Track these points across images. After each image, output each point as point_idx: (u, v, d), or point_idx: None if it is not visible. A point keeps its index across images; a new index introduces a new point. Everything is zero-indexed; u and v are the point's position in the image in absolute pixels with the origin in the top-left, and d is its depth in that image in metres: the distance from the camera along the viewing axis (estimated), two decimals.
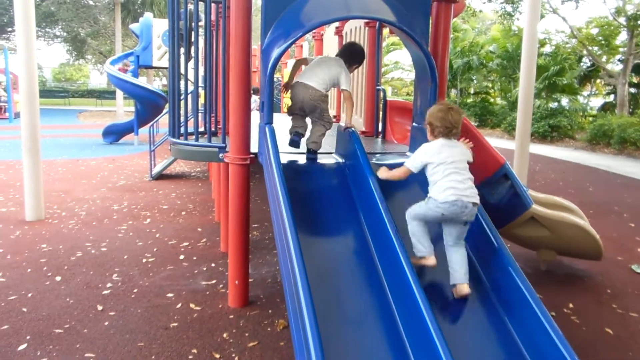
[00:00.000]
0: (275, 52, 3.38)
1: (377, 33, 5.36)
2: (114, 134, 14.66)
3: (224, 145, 3.89)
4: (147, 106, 13.59)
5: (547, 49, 21.90)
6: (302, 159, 3.77)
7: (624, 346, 3.52)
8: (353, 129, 3.62)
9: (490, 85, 25.61)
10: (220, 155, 3.88)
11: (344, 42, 6.40)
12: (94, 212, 6.79)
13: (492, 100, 25.26)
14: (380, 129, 5.19)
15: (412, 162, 2.96)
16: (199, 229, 6.05)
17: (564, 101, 20.89)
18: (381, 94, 5.22)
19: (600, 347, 3.50)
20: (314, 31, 7.51)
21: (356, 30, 5.95)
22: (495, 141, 17.59)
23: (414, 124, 3.99)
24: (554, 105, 20.08)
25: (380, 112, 5.22)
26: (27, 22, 6.00)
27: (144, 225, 6.20)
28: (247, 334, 3.49)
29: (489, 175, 4.64)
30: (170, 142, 4.38)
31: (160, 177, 9.38)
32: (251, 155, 3.75)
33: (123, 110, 23.69)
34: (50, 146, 13.45)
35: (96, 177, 9.34)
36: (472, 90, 25.88)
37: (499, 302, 2.83)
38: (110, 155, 12.34)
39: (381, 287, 2.78)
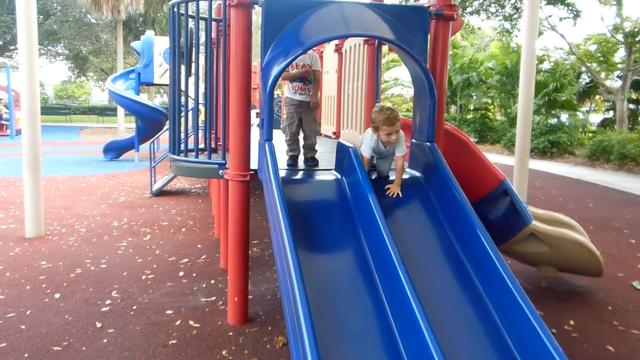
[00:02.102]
0: (275, 70, 3.41)
1: (376, 50, 5.40)
2: (115, 150, 14.70)
3: (224, 161, 3.91)
4: (148, 123, 13.65)
5: (546, 65, 22.06)
6: (302, 175, 3.78)
7: None
8: (351, 146, 3.64)
9: (489, 101, 25.72)
10: (220, 171, 3.90)
11: (343, 60, 6.46)
12: (94, 228, 6.78)
13: (491, 116, 25.36)
14: None
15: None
16: (199, 246, 6.04)
17: (564, 117, 20.98)
18: None
19: None
20: (314, 49, 7.57)
21: (355, 48, 6.00)
22: (495, 157, 17.63)
23: (413, 140, 4.00)
24: (553, 121, 20.15)
25: None
26: (29, 40, 6.06)
27: (143, 241, 6.19)
28: (246, 351, 3.48)
29: (489, 191, 4.65)
30: (171, 158, 4.40)
31: (161, 193, 9.39)
32: (251, 172, 3.77)
33: (124, 127, 23.79)
34: (51, 163, 13.48)
35: (96, 194, 9.35)
36: (471, 107, 26.00)
37: (499, 319, 2.82)
38: (111, 171, 12.37)
39: (380, 304, 2.77)
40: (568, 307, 4.46)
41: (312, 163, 4.11)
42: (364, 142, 3.57)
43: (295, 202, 3.33)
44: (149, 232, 6.66)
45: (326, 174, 3.81)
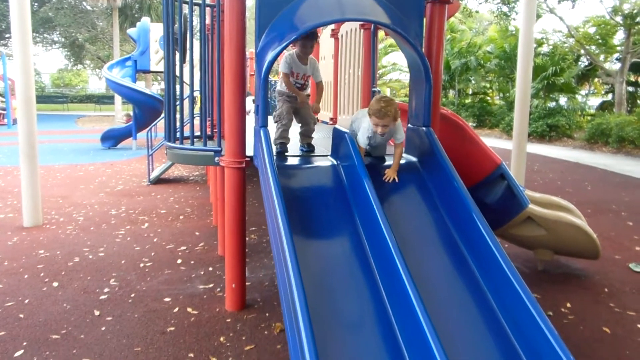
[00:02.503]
0: (270, 55, 3.38)
1: (372, 35, 5.37)
2: (112, 138, 14.66)
3: (219, 148, 3.90)
4: (145, 110, 13.59)
5: (545, 48, 21.93)
6: (298, 161, 3.77)
7: (622, 345, 3.52)
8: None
9: (488, 85, 25.61)
10: (216, 158, 3.88)
11: (339, 45, 6.42)
12: (92, 217, 6.78)
13: (490, 100, 25.27)
14: None
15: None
16: (197, 233, 6.05)
17: (562, 101, 20.91)
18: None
19: (597, 346, 3.50)
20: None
21: (352, 33, 5.96)
22: (494, 141, 17.61)
23: (409, 125, 3.99)
24: (552, 104, 20.08)
25: None
26: (23, 27, 6.00)
27: (141, 229, 6.19)
28: (244, 338, 3.49)
29: (486, 175, 4.64)
30: (167, 146, 4.38)
31: (159, 181, 9.38)
32: (247, 159, 3.76)
33: (122, 114, 23.68)
34: (48, 152, 13.45)
35: (94, 182, 9.34)
36: (470, 91, 25.90)
37: (496, 304, 2.82)
38: (109, 160, 12.34)
39: (377, 290, 2.78)
40: (565, 290, 4.48)
41: (308, 149, 4.10)
42: (361, 130, 3.58)
43: (291, 189, 3.33)
44: (147, 220, 6.66)
45: (322, 160, 3.80)
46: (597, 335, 3.65)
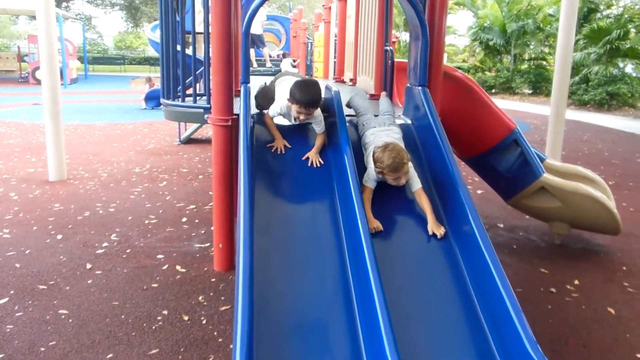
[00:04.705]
0: (254, 4, 3.22)
1: None
2: (156, 99, 14.86)
3: (208, 106, 3.80)
4: (187, 72, 13.65)
5: (614, 11, 20.41)
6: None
7: (624, 327, 3.24)
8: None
9: (547, 50, 24.23)
10: (205, 116, 3.79)
11: (359, 4, 6.12)
12: (115, 174, 6.91)
13: (548, 67, 23.93)
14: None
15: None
16: (210, 193, 6.02)
17: (629, 68, 19.52)
18: (389, 55, 4.95)
19: (595, 327, 3.23)
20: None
21: None
22: (548, 109, 16.70)
23: (407, 84, 3.75)
24: (614, 71, 18.76)
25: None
26: None
27: (158, 187, 6.26)
28: (222, 298, 3.45)
29: (498, 141, 4.36)
30: (162, 103, 4.33)
31: (189, 141, 9.47)
32: (234, 117, 3.65)
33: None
34: (94, 111, 13.86)
35: (128, 141, 9.53)
36: (526, 56, 24.61)
37: (467, 273, 2.62)
38: (149, 120, 12.56)
39: (342, 266, 2.60)
40: (578, 266, 4.18)
41: None
42: (368, 173, 2.99)
43: (265, 143, 3.20)
44: (166, 178, 6.73)
45: None
46: (599, 316, 3.38)
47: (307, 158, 3.16)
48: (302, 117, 3.13)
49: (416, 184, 2.92)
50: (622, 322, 3.31)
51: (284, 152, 3.20)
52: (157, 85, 14.86)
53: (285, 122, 3.40)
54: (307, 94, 3.05)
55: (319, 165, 3.13)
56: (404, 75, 4.91)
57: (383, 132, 3.18)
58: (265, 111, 3.40)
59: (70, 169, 6.88)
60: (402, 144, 3.07)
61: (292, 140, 3.30)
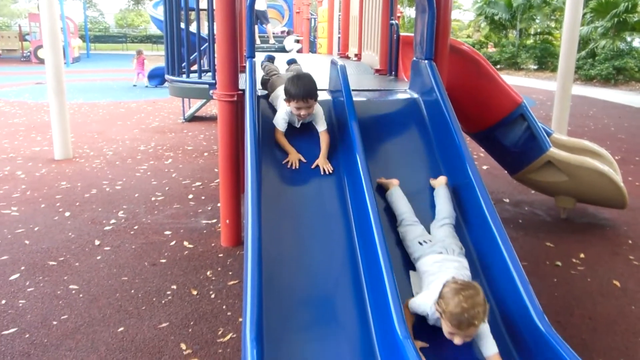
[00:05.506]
0: None
1: None
2: (159, 77, 14.80)
3: (213, 81, 3.79)
4: (191, 49, 13.56)
5: None
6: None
7: (628, 299, 3.26)
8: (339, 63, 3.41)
9: (553, 25, 23.93)
10: (210, 92, 3.78)
11: None
12: (120, 152, 6.93)
13: (554, 41, 23.66)
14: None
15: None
16: (216, 170, 6.03)
17: (637, 41, 19.27)
18: (394, 29, 4.89)
19: (600, 299, 3.26)
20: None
21: None
22: (554, 85, 16.56)
23: (414, 58, 3.72)
24: (622, 45, 18.53)
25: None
26: None
27: (164, 165, 6.27)
28: (230, 273, 3.48)
29: (504, 115, 4.34)
30: (167, 79, 4.32)
31: (194, 119, 9.46)
32: (239, 92, 3.63)
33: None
34: (98, 89, 13.83)
35: (132, 119, 9.52)
36: (532, 31, 24.31)
37: (473, 245, 2.64)
38: (152, 98, 12.54)
39: (350, 241, 2.61)
40: (583, 240, 4.19)
41: None
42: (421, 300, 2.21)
43: (270, 119, 3.20)
44: (172, 156, 6.74)
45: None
46: (605, 289, 3.40)
47: (317, 166, 2.94)
48: (302, 112, 2.96)
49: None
50: (627, 295, 3.33)
51: (298, 167, 2.93)
52: (147, 59, 14.93)
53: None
54: (300, 85, 2.91)
55: (330, 172, 2.91)
56: (410, 49, 4.88)
57: (451, 262, 2.37)
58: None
59: (75, 148, 6.90)
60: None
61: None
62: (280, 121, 3.05)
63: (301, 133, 3.12)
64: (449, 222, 2.65)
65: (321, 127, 3.08)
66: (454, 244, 2.50)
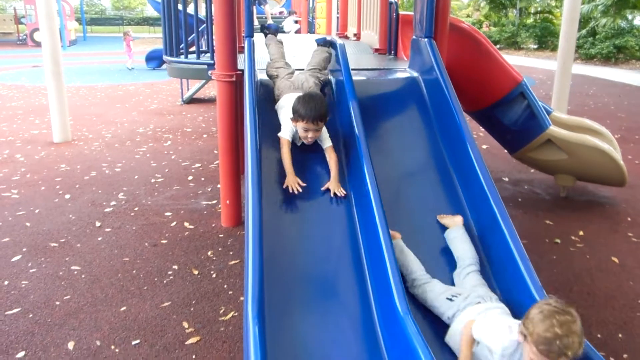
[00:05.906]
0: None
1: None
2: (157, 59, 14.68)
3: (212, 62, 3.76)
4: (189, 31, 13.46)
5: None
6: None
7: (626, 275, 3.29)
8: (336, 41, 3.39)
9: (554, 3, 23.72)
10: (209, 72, 3.76)
11: None
12: (119, 134, 6.91)
13: (555, 20, 23.46)
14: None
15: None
16: (215, 151, 6.04)
17: (638, 20, 19.12)
18: (393, 8, 4.85)
19: (599, 275, 3.28)
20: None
21: None
22: (554, 64, 16.47)
23: (413, 36, 3.70)
24: (622, 23, 18.39)
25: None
26: None
27: (163, 147, 6.26)
28: (231, 252, 3.50)
29: (505, 94, 4.32)
30: (166, 60, 4.29)
31: (192, 101, 9.42)
32: (238, 72, 3.61)
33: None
34: (95, 72, 13.74)
35: (130, 102, 9.48)
36: (532, 10, 24.09)
37: (474, 224, 2.65)
38: (150, 80, 12.47)
39: (350, 216, 2.63)
40: (582, 218, 4.21)
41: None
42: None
43: (270, 98, 3.18)
44: (170, 138, 6.73)
45: None
46: (603, 265, 3.42)
47: (328, 189, 2.70)
48: (310, 135, 2.75)
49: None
50: (626, 270, 3.35)
51: (298, 191, 2.65)
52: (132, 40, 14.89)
53: None
54: (312, 106, 2.69)
55: (342, 195, 2.66)
56: (409, 28, 4.84)
57: (494, 310, 2.06)
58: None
59: (74, 130, 6.87)
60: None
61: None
62: (287, 132, 2.83)
63: (303, 149, 2.92)
64: (475, 269, 2.35)
65: (326, 143, 2.84)
66: (488, 292, 2.20)
